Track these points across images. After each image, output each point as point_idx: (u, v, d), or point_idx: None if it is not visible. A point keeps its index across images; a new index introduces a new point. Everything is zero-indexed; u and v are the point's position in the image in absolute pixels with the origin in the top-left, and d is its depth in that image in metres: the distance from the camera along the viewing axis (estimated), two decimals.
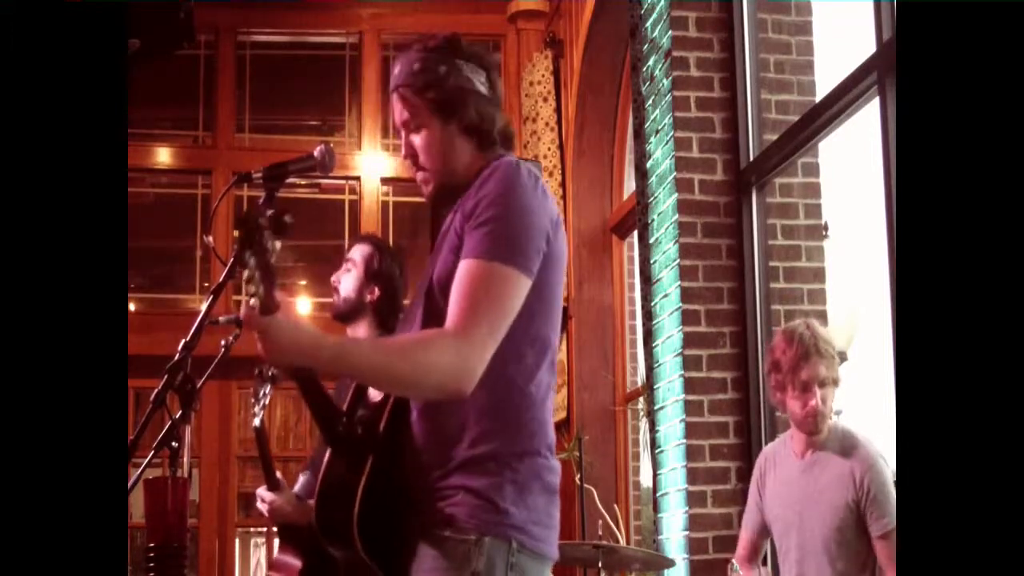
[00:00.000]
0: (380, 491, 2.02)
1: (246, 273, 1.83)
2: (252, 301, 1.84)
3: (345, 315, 3.39)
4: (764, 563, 3.73)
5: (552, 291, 2.06)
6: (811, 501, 3.35)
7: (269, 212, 1.86)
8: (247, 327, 1.88)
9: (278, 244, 1.86)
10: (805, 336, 3.37)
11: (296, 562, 3.17)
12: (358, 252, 3.42)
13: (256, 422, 3.02)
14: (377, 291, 3.36)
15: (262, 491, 3.22)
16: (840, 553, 3.28)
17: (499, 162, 2.09)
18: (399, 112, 2.16)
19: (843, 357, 4.92)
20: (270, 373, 2.87)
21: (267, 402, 2.95)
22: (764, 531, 3.58)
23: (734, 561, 3.52)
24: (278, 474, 3.22)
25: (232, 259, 1.91)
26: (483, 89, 2.15)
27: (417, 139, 2.14)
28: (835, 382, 3.39)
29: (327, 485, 2.10)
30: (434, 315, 2.05)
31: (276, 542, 3.48)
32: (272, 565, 3.31)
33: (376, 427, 2.09)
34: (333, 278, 3.42)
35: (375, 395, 2.15)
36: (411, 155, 2.16)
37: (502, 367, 1.97)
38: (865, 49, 3.85)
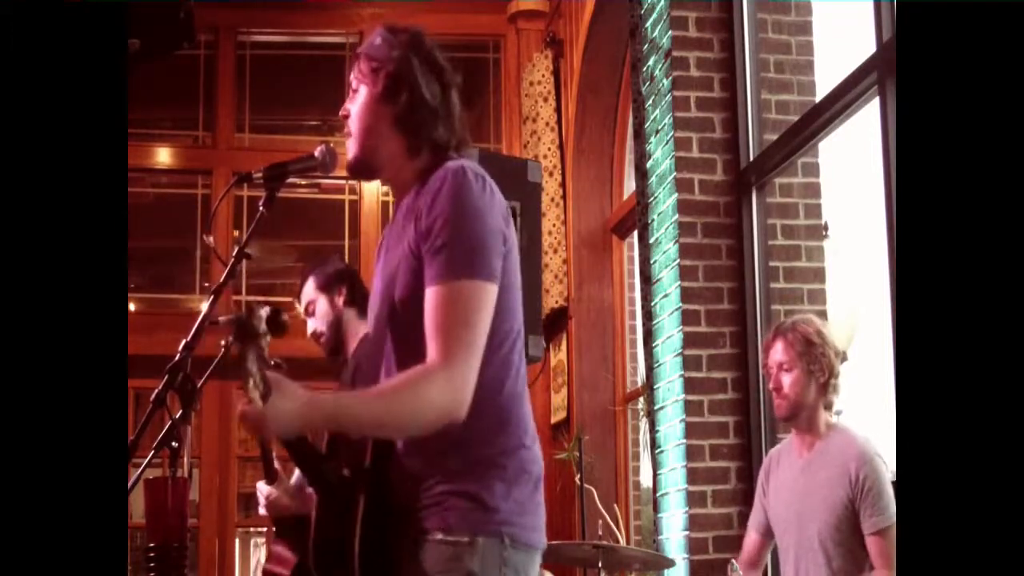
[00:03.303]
0: (377, 528, 2.02)
1: (250, 381, 1.83)
2: (253, 395, 1.84)
3: (336, 348, 3.43)
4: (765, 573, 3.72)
5: (512, 281, 2.08)
6: (808, 500, 3.34)
7: (265, 313, 1.88)
8: (245, 423, 1.88)
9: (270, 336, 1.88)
10: (784, 325, 3.42)
11: (292, 555, 3.17)
12: (309, 293, 3.46)
13: None
14: (344, 291, 3.42)
15: (261, 484, 3.23)
16: (836, 552, 3.27)
17: (445, 171, 2.06)
18: (352, 75, 2.20)
19: (843, 357, 4.93)
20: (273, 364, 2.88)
21: None
22: (769, 532, 3.56)
23: (734, 561, 3.52)
24: (276, 465, 3.22)
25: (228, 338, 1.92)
26: (429, 97, 2.14)
27: (353, 106, 2.18)
28: (810, 372, 3.37)
29: (322, 537, 2.08)
30: (405, 342, 2.05)
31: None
32: (268, 557, 3.31)
33: (362, 463, 2.07)
34: (309, 333, 3.45)
35: None
36: (346, 117, 2.20)
37: (480, 369, 1.98)
38: (865, 49, 3.85)
